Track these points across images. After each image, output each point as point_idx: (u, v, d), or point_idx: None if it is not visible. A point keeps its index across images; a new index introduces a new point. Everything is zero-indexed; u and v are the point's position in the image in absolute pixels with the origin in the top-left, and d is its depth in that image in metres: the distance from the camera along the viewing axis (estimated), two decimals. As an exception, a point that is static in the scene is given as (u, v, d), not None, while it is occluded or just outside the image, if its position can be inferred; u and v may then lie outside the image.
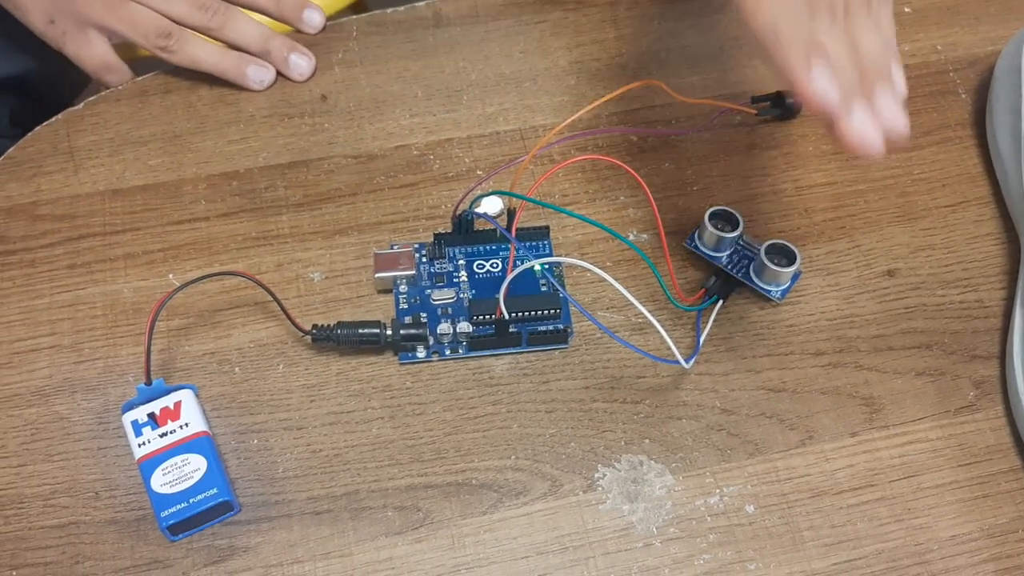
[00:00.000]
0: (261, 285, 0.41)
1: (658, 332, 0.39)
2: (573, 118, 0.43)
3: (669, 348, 0.40)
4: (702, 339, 0.43)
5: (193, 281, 0.41)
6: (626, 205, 0.48)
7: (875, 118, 0.34)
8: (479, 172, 0.49)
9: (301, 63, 0.51)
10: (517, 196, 0.42)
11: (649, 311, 0.39)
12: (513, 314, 0.43)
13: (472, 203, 0.44)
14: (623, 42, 0.54)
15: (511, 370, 0.43)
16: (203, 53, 0.50)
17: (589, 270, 0.38)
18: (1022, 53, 0.48)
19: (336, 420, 0.42)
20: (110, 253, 0.46)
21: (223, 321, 0.44)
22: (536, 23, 0.54)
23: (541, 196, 0.48)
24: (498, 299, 0.41)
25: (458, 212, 0.44)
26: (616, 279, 0.39)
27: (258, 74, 0.51)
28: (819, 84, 0.33)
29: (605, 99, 0.43)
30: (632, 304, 0.41)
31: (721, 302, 0.45)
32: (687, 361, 0.41)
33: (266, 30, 0.51)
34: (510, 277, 0.40)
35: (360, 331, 0.42)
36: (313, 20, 0.53)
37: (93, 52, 0.52)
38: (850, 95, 0.33)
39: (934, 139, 0.51)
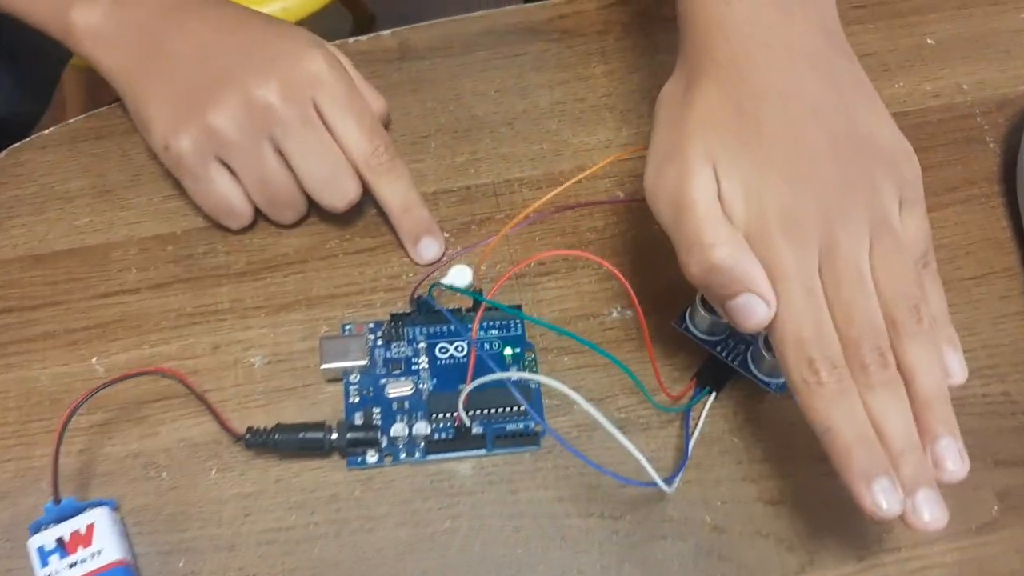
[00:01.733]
0: (187, 386, 0.36)
1: (648, 430, 0.34)
2: (553, 194, 0.38)
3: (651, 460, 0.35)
4: (691, 445, 0.38)
5: (105, 385, 0.36)
6: (609, 276, 0.43)
7: (940, 502, 0.31)
8: (446, 235, 0.43)
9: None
10: (479, 298, 0.37)
11: (633, 407, 0.34)
12: (476, 412, 0.38)
13: (431, 286, 0.38)
14: (612, 79, 0.48)
15: (475, 476, 0.38)
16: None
17: (562, 392, 0.33)
18: (1063, 105, 0.43)
19: (274, 539, 0.37)
20: (27, 332, 0.41)
21: (150, 416, 0.39)
22: (514, 56, 0.48)
23: (514, 263, 0.43)
24: (460, 405, 0.36)
25: (416, 295, 0.39)
26: (588, 387, 0.34)
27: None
28: (881, 504, 0.31)
29: (580, 177, 0.38)
30: (612, 397, 0.36)
31: (714, 395, 0.40)
32: (669, 482, 0.35)
33: (417, 197, 0.42)
34: (469, 388, 0.34)
35: (301, 436, 0.37)
36: (428, 253, 0.42)
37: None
38: (914, 484, 0.31)
39: (957, 196, 0.45)
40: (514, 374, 0.33)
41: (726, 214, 0.33)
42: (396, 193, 0.41)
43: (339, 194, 0.40)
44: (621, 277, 0.36)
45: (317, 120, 0.40)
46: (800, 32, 0.36)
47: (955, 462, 0.32)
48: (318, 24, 0.65)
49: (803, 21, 0.36)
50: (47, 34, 0.43)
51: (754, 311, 0.32)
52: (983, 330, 0.42)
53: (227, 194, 0.41)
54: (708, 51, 0.36)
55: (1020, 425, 0.40)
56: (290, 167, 0.40)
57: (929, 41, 0.50)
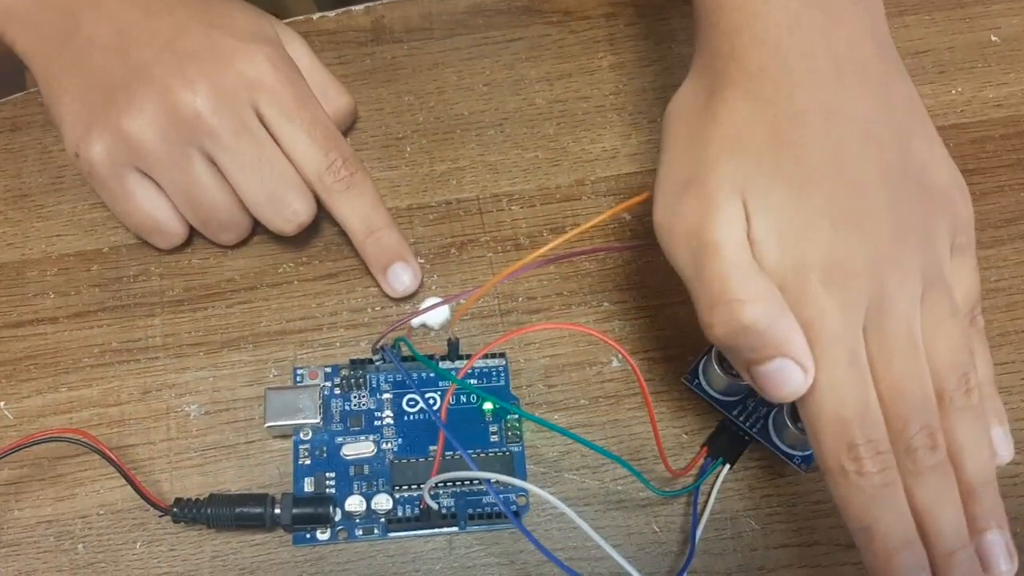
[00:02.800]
0: (100, 451, 0.30)
1: (649, 506, 0.29)
2: (549, 247, 0.31)
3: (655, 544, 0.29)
4: (699, 532, 0.32)
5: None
6: (610, 315, 0.37)
7: None
8: (420, 260, 0.37)
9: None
10: (452, 378, 0.31)
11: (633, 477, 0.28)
12: (439, 486, 0.32)
13: (396, 340, 0.32)
14: (621, 73, 0.41)
15: (444, 559, 0.33)
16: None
17: (551, 503, 0.27)
18: None
19: (207, 627, 0.31)
20: (-79, 367, 0.35)
21: (66, 475, 0.33)
22: (508, 41, 0.41)
23: (500, 297, 0.37)
24: (425, 494, 0.30)
25: (379, 345, 0.33)
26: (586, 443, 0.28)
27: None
28: None
29: (583, 228, 0.31)
30: (611, 464, 0.31)
31: (728, 467, 0.34)
32: (672, 588, 0.30)
33: (385, 216, 0.36)
34: (435, 479, 0.28)
35: (238, 511, 0.31)
36: (399, 284, 0.36)
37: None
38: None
39: (1020, 230, 0.39)
40: (490, 475, 0.27)
41: (756, 260, 0.27)
42: (357, 214, 0.35)
43: (286, 216, 0.34)
44: (616, 346, 0.29)
45: (258, 128, 0.34)
46: (849, 39, 0.29)
47: (1005, 560, 0.27)
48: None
49: (852, 26, 0.30)
50: None
51: (789, 379, 0.27)
52: (1042, 392, 0.36)
53: (151, 210, 0.35)
54: (735, 56, 0.29)
55: (1086, 511, 0.34)
56: (227, 181, 0.34)
57: (994, 38, 0.43)
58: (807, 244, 0.27)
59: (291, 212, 0.34)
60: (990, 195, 0.40)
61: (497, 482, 0.32)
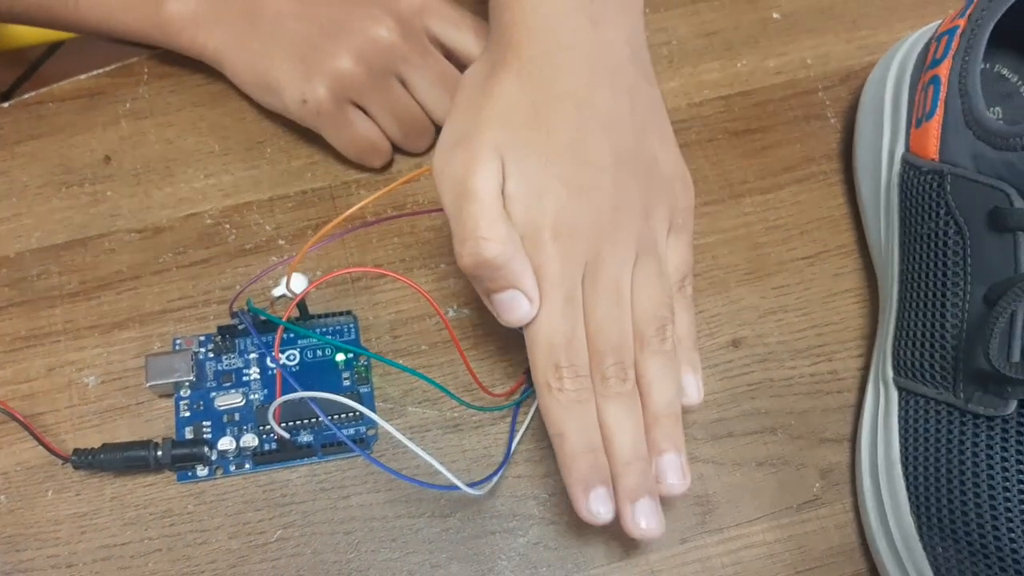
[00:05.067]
0: (7, 411, 0.37)
1: (480, 427, 0.35)
2: (375, 196, 0.37)
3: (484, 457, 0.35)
4: (515, 443, 0.39)
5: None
6: (447, 274, 0.43)
7: (657, 512, 0.33)
8: (281, 242, 0.43)
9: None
10: (278, 321, 0.37)
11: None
12: (305, 420, 0.38)
13: (248, 301, 0.39)
14: (452, 72, 0.48)
15: (307, 484, 0.39)
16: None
17: (355, 407, 0.33)
18: (886, 82, 0.43)
19: (109, 555, 0.37)
20: None
21: (-15, 441, 0.39)
22: (354, 53, 0.48)
23: (351, 266, 0.43)
24: (271, 418, 0.36)
25: (234, 307, 0.39)
26: (430, 364, 0.34)
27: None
28: (594, 510, 0.33)
29: (407, 178, 0.37)
30: (448, 398, 0.37)
31: (545, 390, 0.40)
32: (476, 486, 0.35)
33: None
34: (278, 401, 0.35)
35: (126, 455, 0.37)
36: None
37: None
38: (636, 494, 0.33)
39: (795, 176, 0.46)
40: (308, 393, 0.33)
41: (507, 211, 0.33)
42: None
43: None
44: (420, 288, 0.36)
45: (434, 48, 0.43)
46: (607, 44, 0.35)
47: (676, 476, 0.33)
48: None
49: (612, 33, 0.36)
50: (137, 39, 0.45)
51: (518, 308, 0.33)
52: (814, 310, 0.42)
53: (368, 134, 0.43)
54: (513, 44, 0.35)
55: (846, 403, 0.40)
56: (416, 98, 0.43)
57: (775, 16, 0.50)
58: (545, 205, 0.33)
59: None
60: (771, 148, 0.46)
61: (344, 415, 0.39)
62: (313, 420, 0.39)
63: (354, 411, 0.39)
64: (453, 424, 0.40)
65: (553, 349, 0.33)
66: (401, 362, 0.41)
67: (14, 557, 0.37)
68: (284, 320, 0.37)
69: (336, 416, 0.39)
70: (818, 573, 0.37)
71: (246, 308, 0.39)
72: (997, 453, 0.34)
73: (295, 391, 0.34)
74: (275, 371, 0.40)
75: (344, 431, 0.39)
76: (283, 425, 0.38)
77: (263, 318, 0.39)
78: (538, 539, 0.38)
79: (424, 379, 0.36)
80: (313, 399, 0.34)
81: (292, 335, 0.41)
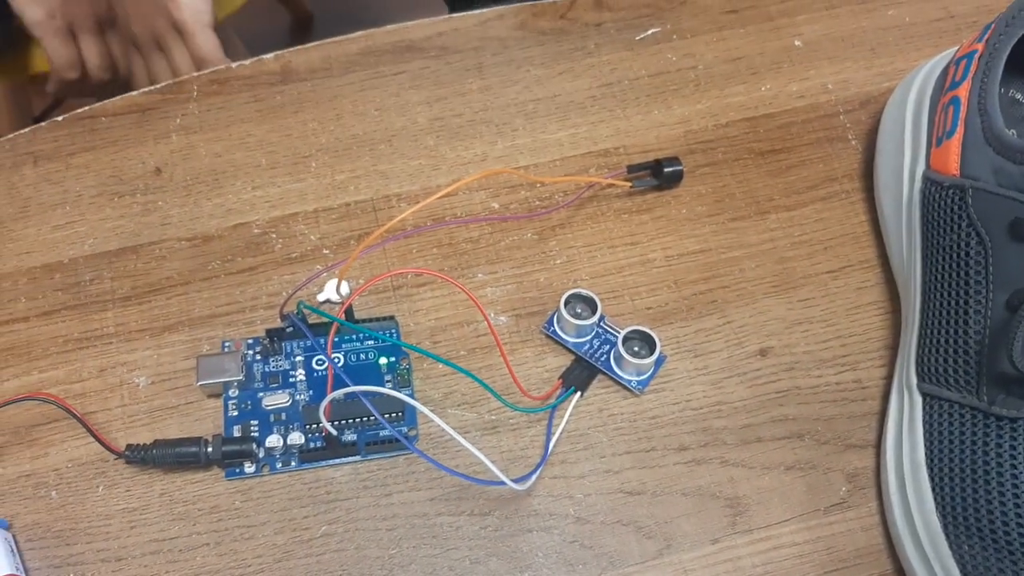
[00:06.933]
0: (65, 408, 0.38)
1: (517, 430, 0.36)
2: (419, 206, 0.39)
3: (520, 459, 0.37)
4: (552, 443, 0.40)
5: (-15, 413, 0.37)
6: (484, 283, 0.45)
7: None
8: (325, 251, 0.45)
9: None
10: (333, 318, 0.39)
11: (504, 408, 0.36)
12: (350, 420, 0.40)
13: (299, 304, 0.40)
14: (488, 94, 0.50)
15: (351, 482, 0.40)
16: None
17: (406, 401, 0.34)
18: (906, 103, 0.45)
19: (158, 549, 0.39)
20: (-81, 362, 0.42)
21: (40, 438, 0.41)
22: (394, 75, 0.50)
23: (393, 275, 0.45)
24: (321, 414, 0.38)
25: (284, 311, 0.41)
26: (471, 370, 0.36)
27: None
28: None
29: (446, 191, 0.39)
30: (486, 400, 0.38)
31: (580, 394, 0.42)
32: (521, 481, 0.37)
33: None
34: (330, 396, 0.36)
35: (177, 450, 0.39)
36: None
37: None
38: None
39: (819, 194, 0.47)
40: (361, 388, 0.35)
41: None
42: None
43: None
44: (465, 290, 0.37)
45: None
46: None
47: None
48: (255, 24, 0.69)
49: None
50: None
51: None
52: (839, 321, 0.44)
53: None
54: None
55: (869, 410, 0.42)
56: None
57: (797, 43, 0.52)
58: None
59: None
60: (795, 168, 0.48)
61: (388, 415, 0.40)
62: (358, 420, 0.40)
63: (396, 412, 0.40)
64: (491, 426, 0.41)
65: None
66: (441, 365, 0.43)
67: (64, 551, 0.39)
68: (337, 318, 0.39)
69: (382, 416, 0.40)
70: (846, 574, 0.39)
71: (295, 312, 0.41)
72: (1021, 453, 0.35)
73: (346, 387, 0.35)
74: (320, 372, 0.42)
75: (383, 431, 0.40)
76: (330, 423, 0.39)
77: (315, 318, 0.41)
78: (573, 537, 0.39)
79: (471, 376, 0.38)
80: (365, 393, 0.36)
81: (336, 339, 0.42)
